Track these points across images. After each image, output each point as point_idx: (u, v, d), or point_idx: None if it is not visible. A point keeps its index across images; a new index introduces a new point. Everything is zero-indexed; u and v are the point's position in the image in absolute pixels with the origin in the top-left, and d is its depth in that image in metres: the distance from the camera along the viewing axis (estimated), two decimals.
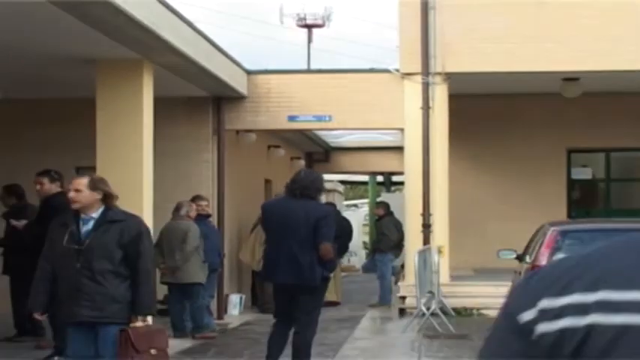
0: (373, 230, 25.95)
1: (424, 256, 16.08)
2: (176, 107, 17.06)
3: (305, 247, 9.70)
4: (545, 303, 1.48)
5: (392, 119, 18.12)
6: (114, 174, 12.52)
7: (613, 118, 21.19)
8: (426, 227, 17.50)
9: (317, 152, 28.72)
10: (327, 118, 18.35)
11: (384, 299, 19.52)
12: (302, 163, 26.55)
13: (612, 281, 1.45)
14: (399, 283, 18.32)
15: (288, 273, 9.80)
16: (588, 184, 23.14)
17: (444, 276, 17.16)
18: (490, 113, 21.47)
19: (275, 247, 10.01)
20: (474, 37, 17.38)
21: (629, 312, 1.42)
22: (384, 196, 29.27)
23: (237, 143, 19.16)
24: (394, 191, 33.65)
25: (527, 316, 1.49)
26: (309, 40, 53.32)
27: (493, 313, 16.09)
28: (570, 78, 18.55)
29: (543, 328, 1.47)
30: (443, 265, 16.99)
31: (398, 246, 19.59)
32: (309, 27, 53.73)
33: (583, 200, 22.85)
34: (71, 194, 7.68)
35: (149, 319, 7.81)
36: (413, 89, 17.62)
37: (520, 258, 14.10)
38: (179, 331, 14.49)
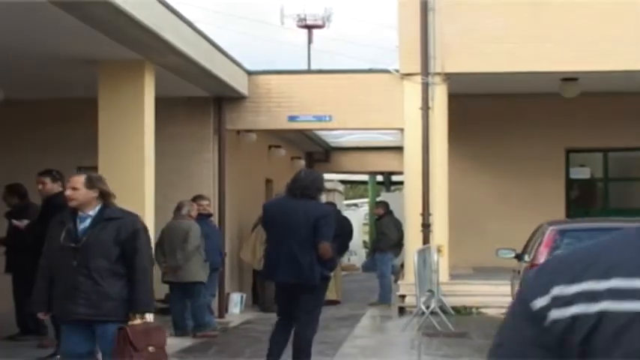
0: (373, 229, 25.99)
1: (424, 255, 16.10)
2: (177, 107, 17.09)
3: (305, 246, 9.75)
4: (558, 290, 1.54)
5: (392, 119, 18.16)
6: (115, 174, 12.61)
7: (611, 118, 21.21)
8: (426, 226, 17.53)
9: (317, 152, 28.75)
10: (327, 118, 18.38)
11: (384, 298, 19.56)
12: (302, 162, 26.58)
13: (624, 269, 1.50)
14: (399, 282, 18.33)
15: (288, 272, 9.86)
16: (587, 184, 23.16)
17: (444, 275, 17.20)
18: (489, 113, 21.51)
19: (275, 247, 10.07)
20: (474, 38, 17.41)
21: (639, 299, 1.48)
22: (384, 196, 29.31)
23: (238, 143, 19.21)
24: (394, 191, 33.67)
25: (540, 302, 1.55)
26: (310, 41, 53.37)
27: (492, 312, 16.24)
28: (569, 78, 18.57)
29: (556, 314, 1.52)
30: (442, 264, 17.05)
31: (398, 245, 19.63)
32: (310, 28, 53.77)
33: (581, 200, 22.88)
34: (68, 192, 7.72)
35: (148, 316, 7.78)
36: (412, 89, 17.66)
37: (519, 257, 14.15)
38: (180, 330, 14.54)
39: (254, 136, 19.43)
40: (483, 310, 17.06)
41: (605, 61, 17.12)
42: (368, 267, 25.63)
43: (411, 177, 17.92)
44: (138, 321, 7.50)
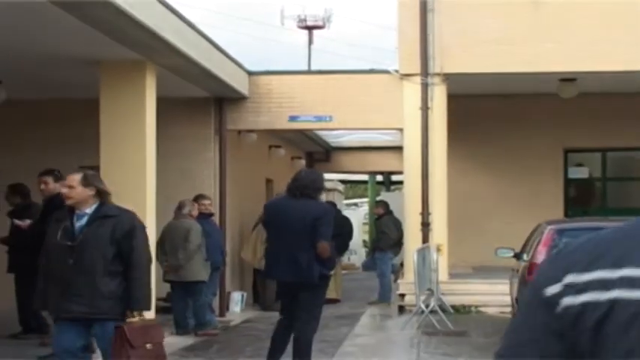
0: (373, 229, 26.02)
1: (423, 254, 16.12)
2: (178, 108, 17.11)
3: (303, 245, 9.82)
4: (571, 278, 1.59)
5: (391, 119, 18.21)
6: (117, 174, 12.71)
7: (610, 118, 21.23)
8: (425, 226, 17.58)
9: (317, 152, 28.78)
10: (328, 119, 18.42)
11: (384, 297, 19.61)
12: (303, 162, 26.62)
13: (635, 259, 1.55)
14: (399, 281, 18.36)
15: (288, 271, 9.94)
16: (585, 184, 23.18)
17: (443, 274, 17.24)
18: (488, 113, 21.55)
19: (275, 246, 10.16)
20: (472, 39, 17.44)
21: None
22: (384, 195, 29.33)
23: (239, 143, 19.26)
24: (394, 190, 33.71)
25: (553, 289, 1.60)
26: (310, 42, 53.45)
27: (491, 311, 16.30)
28: (567, 79, 18.61)
29: (568, 301, 1.57)
30: (442, 263, 17.08)
31: (397, 244, 19.69)
32: (310, 28, 53.85)
33: (580, 199, 22.90)
34: (64, 190, 7.75)
35: (145, 314, 7.77)
36: (412, 90, 17.71)
37: (518, 256, 14.20)
38: (182, 329, 14.60)
39: (255, 136, 19.49)
40: (482, 309, 17.11)
41: (604, 61, 17.15)
42: (368, 266, 25.70)
43: (411, 176, 17.96)
44: (135, 319, 7.48)
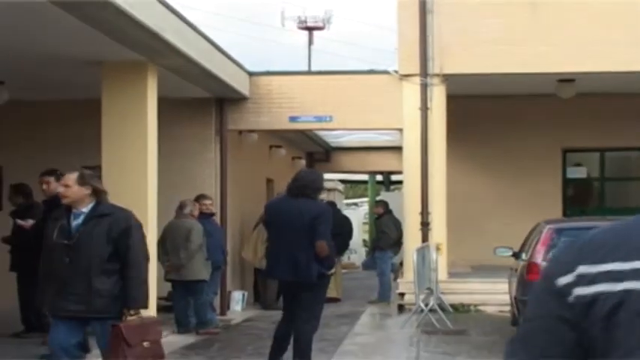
0: (373, 228, 26.08)
1: (423, 253, 16.14)
2: (179, 108, 17.13)
3: (302, 244, 9.89)
4: (583, 269, 1.65)
5: (391, 120, 18.25)
6: (119, 174, 12.77)
7: (608, 118, 21.26)
8: (425, 225, 17.62)
9: (318, 152, 28.80)
10: (328, 119, 18.46)
11: (384, 296, 19.67)
12: (303, 162, 26.66)
13: None
14: (398, 280, 18.39)
15: (287, 270, 10.01)
16: (583, 183, 23.21)
17: (442, 273, 17.27)
18: (487, 114, 21.59)
19: (275, 245, 10.25)
20: (471, 40, 17.48)
21: None
22: (384, 195, 29.38)
23: (240, 143, 19.30)
24: (393, 190, 33.76)
25: (565, 280, 1.67)
26: (310, 42, 53.52)
27: (490, 309, 16.34)
28: (565, 79, 18.65)
29: (580, 291, 1.64)
30: (441, 262, 17.10)
31: (397, 244, 19.74)
32: (310, 29, 53.92)
33: (578, 199, 22.90)
34: (60, 189, 7.78)
35: (145, 312, 7.77)
36: (411, 90, 17.75)
37: (516, 255, 14.29)
38: (183, 327, 14.66)
39: (255, 136, 19.53)
40: (481, 308, 17.14)
41: (602, 62, 17.17)
42: (368, 265, 25.81)
43: (410, 176, 18.00)
44: (132, 317, 7.46)
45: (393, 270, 20.51)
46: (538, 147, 21.63)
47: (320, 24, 54.10)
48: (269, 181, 22.82)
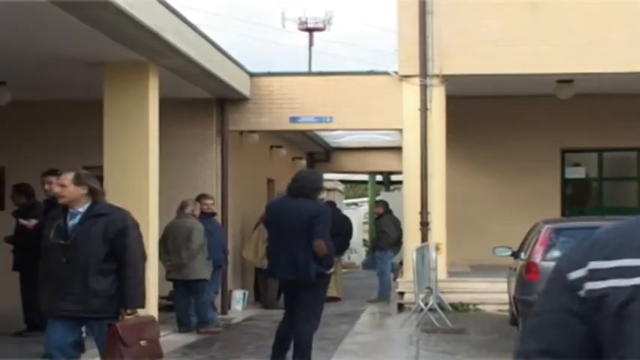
0: (373, 228, 26.12)
1: (422, 253, 16.17)
2: (180, 109, 17.16)
3: (301, 244, 9.96)
4: (595, 264, 1.71)
5: (391, 120, 18.28)
6: (120, 174, 12.83)
7: (606, 118, 21.29)
8: (424, 225, 17.66)
9: (318, 152, 28.82)
10: (328, 119, 18.48)
11: (383, 295, 19.69)
12: (303, 163, 26.69)
13: None
14: (398, 280, 18.41)
15: (286, 269, 10.08)
16: (582, 183, 23.22)
17: (442, 272, 17.31)
18: (486, 114, 21.62)
19: (276, 245, 10.33)
20: (471, 40, 17.50)
21: None
22: (384, 195, 29.40)
23: (241, 144, 19.33)
24: (393, 190, 33.79)
25: (577, 274, 1.72)
26: (311, 44, 53.53)
27: (489, 309, 16.40)
28: (564, 80, 18.68)
29: (591, 285, 1.69)
30: (440, 261, 17.12)
31: (397, 243, 19.77)
32: (311, 30, 53.92)
33: (576, 199, 22.93)
34: (56, 189, 7.78)
35: (144, 311, 7.77)
36: (411, 91, 17.78)
37: (515, 255, 14.32)
38: (184, 326, 14.71)
39: (256, 136, 19.56)
40: (480, 307, 17.17)
41: (601, 63, 17.19)
42: (368, 265, 25.87)
43: (410, 176, 18.03)
44: (129, 317, 7.44)
45: (392, 269, 20.55)
46: (537, 148, 21.66)
47: (320, 25, 54.10)
48: (270, 181, 22.85)
